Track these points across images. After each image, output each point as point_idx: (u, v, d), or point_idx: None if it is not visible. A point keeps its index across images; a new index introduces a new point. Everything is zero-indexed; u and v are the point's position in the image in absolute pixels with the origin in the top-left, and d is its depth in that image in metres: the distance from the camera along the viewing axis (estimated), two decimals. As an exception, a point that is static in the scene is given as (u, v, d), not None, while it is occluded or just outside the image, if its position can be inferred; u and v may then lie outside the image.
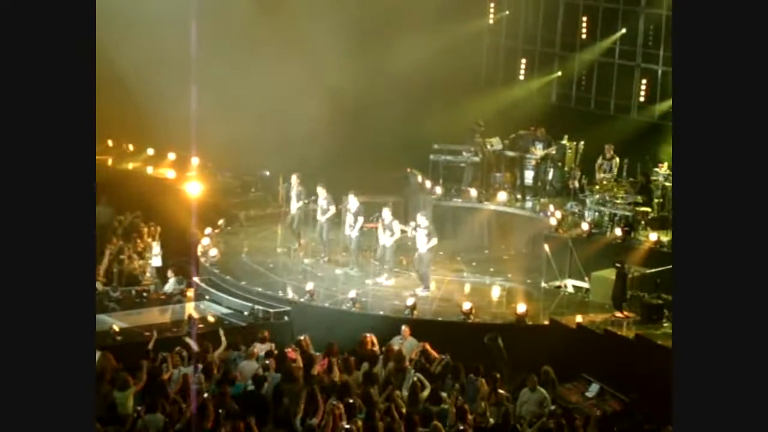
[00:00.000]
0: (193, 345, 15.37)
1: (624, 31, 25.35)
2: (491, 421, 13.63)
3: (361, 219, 20.27)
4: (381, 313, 18.40)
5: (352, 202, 20.42)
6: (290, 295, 19.22)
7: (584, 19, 26.26)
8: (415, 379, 14.65)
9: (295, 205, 21.57)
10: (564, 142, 24.24)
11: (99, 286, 19.97)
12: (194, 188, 22.80)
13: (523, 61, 27.86)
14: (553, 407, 14.58)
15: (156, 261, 21.59)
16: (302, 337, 16.24)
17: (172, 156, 27.21)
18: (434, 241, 19.33)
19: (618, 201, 20.71)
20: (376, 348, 16.19)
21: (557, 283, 20.11)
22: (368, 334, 16.40)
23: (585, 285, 19.69)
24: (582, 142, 24.18)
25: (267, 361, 15.21)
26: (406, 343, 16.41)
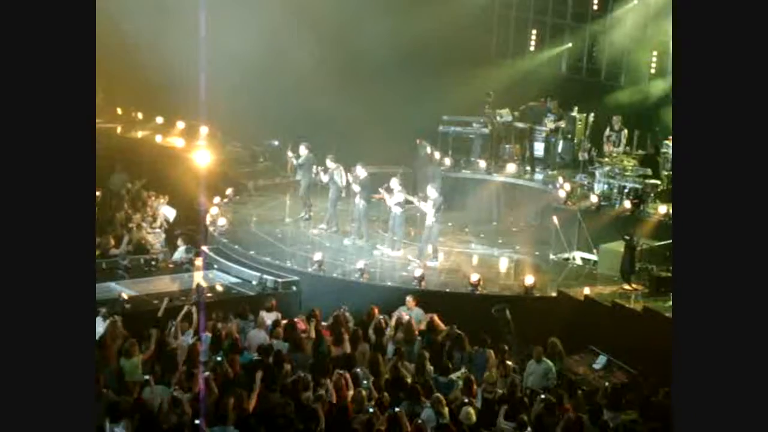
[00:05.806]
0: (194, 313, 15.41)
1: (636, 2, 25.15)
2: (499, 391, 13.67)
3: (368, 190, 20.23)
4: (389, 283, 18.40)
5: (361, 172, 20.38)
6: (298, 265, 19.23)
7: (595, -10, 26.08)
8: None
9: (303, 175, 21.56)
10: (574, 113, 24.12)
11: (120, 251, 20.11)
12: (203, 157, 22.77)
13: (534, 32, 27.68)
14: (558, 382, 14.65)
15: (169, 213, 21.63)
16: (315, 310, 16.26)
17: (181, 125, 27.16)
18: (434, 208, 19.10)
19: (627, 173, 20.62)
20: (384, 319, 16.20)
21: (565, 255, 20.10)
22: (376, 306, 16.42)
23: (593, 257, 19.67)
24: (592, 114, 24.06)
25: (274, 330, 15.29)
26: (412, 314, 16.42)
